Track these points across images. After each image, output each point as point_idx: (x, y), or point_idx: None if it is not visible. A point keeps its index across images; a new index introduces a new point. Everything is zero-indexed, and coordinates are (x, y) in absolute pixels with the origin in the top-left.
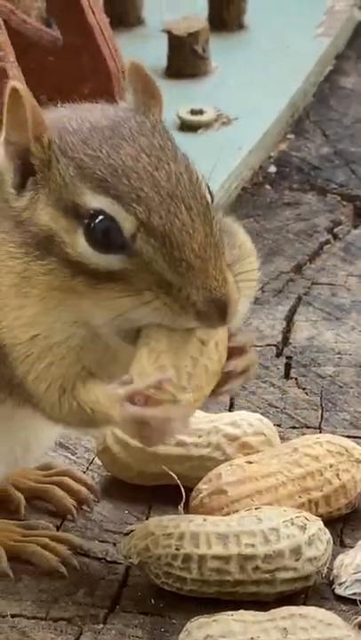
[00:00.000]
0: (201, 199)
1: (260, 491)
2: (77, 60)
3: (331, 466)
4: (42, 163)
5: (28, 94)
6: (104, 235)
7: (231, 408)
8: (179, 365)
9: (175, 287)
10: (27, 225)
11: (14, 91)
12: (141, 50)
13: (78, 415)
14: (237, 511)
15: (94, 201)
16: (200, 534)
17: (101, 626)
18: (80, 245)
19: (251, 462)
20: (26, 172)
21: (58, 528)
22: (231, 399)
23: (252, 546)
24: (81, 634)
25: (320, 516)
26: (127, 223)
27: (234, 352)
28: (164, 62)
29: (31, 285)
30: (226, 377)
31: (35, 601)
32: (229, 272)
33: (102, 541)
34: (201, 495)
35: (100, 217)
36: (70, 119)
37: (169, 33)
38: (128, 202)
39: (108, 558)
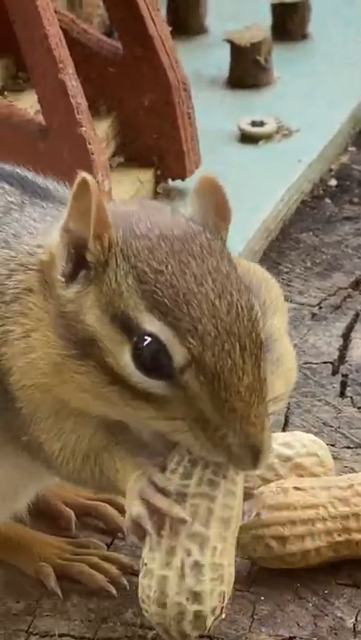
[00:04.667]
0: (256, 338)
1: (293, 521)
2: (138, 70)
3: None
4: (98, 262)
5: (96, 188)
6: (152, 359)
7: (285, 427)
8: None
9: (212, 425)
10: (69, 319)
11: (83, 181)
12: (203, 59)
13: (97, 480)
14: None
15: (149, 323)
16: None
17: None
18: (124, 360)
19: (299, 489)
20: (79, 262)
21: (108, 546)
22: (286, 417)
23: None
24: None
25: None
26: (179, 355)
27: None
28: (225, 72)
29: (62, 381)
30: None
31: (83, 620)
32: (268, 419)
33: None
34: None
35: (152, 341)
36: (139, 220)
37: (231, 43)
38: (183, 333)
39: None
